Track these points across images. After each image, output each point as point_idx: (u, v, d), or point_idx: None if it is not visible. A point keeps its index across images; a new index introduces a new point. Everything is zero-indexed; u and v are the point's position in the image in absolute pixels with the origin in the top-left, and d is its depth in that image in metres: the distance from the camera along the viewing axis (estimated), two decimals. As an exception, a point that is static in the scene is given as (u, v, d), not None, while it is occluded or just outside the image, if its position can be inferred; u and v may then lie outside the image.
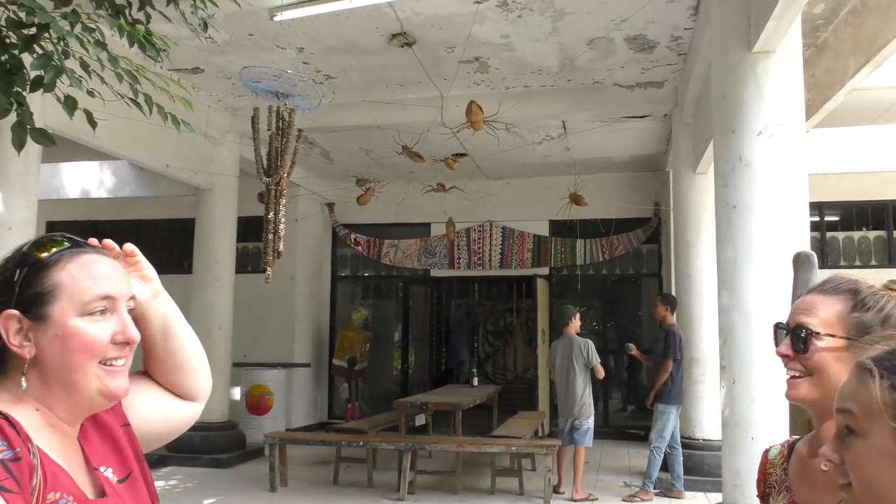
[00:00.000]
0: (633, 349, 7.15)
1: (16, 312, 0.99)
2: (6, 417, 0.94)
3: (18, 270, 1.01)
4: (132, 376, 1.16)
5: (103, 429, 1.12)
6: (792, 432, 2.31)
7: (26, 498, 0.89)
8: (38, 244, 1.04)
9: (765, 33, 3.86)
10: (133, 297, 1.10)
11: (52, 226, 10.99)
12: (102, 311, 1.03)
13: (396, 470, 6.87)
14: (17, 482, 0.89)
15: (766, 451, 1.36)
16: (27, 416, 0.99)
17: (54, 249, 1.03)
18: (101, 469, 1.07)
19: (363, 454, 7.46)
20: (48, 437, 1.00)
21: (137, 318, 1.15)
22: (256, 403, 9.67)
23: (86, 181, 10.80)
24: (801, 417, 2.22)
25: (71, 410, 1.04)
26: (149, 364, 1.25)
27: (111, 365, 1.04)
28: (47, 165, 8.52)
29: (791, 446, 1.32)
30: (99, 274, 1.04)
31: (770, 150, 3.96)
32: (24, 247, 1.04)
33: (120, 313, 1.05)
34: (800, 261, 2.27)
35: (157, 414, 1.22)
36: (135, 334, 1.06)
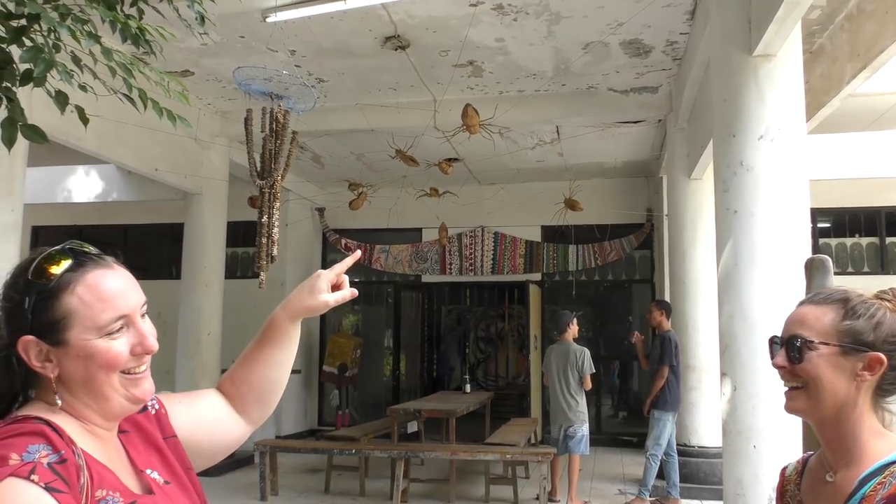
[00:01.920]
0: (638, 339, 7.07)
1: (32, 338, 1.01)
2: (48, 423, 0.98)
3: (27, 298, 1.01)
4: (197, 393, 1.31)
5: (148, 438, 1.16)
6: (806, 447, 2.26)
7: (76, 496, 0.93)
8: (39, 269, 1.03)
9: (766, 36, 3.82)
10: (146, 303, 1.10)
11: (37, 230, 10.84)
12: (120, 328, 1.05)
13: (389, 478, 6.77)
14: (65, 482, 0.92)
15: (784, 469, 1.40)
16: (66, 424, 1.02)
17: (57, 271, 1.03)
18: (147, 471, 1.11)
19: (355, 462, 7.36)
20: (89, 441, 1.04)
21: (275, 334, 1.31)
22: (246, 411, 9.53)
23: (72, 185, 10.64)
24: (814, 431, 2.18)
25: (103, 416, 1.07)
26: (240, 372, 1.32)
27: (133, 373, 1.07)
28: (33, 169, 8.34)
29: (805, 462, 1.35)
30: (109, 295, 1.04)
31: (771, 155, 3.91)
32: (28, 271, 1.03)
33: (136, 325, 1.07)
34: (814, 266, 2.21)
35: (204, 434, 1.27)
36: (152, 345, 1.08)
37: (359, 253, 1.41)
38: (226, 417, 1.30)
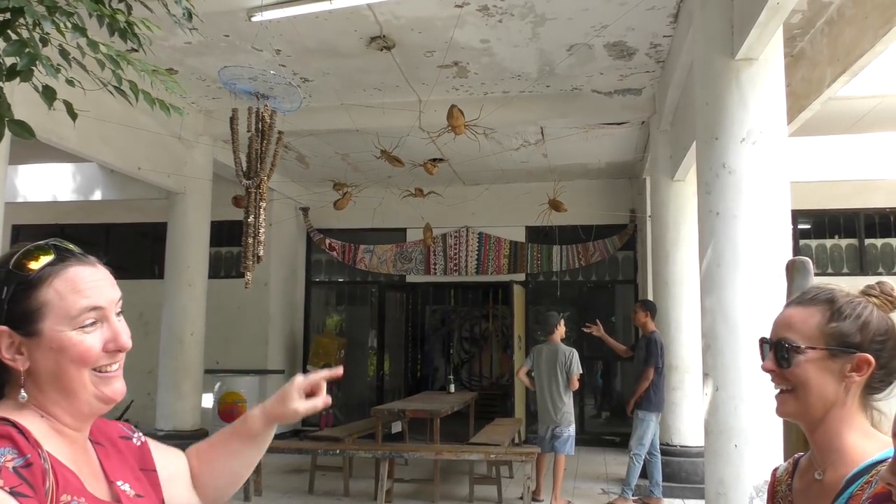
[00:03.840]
0: (595, 329, 6.95)
1: (6, 329, 1.01)
2: (15, 425, 0.97)
3: (5, 288, 1.02)
4: (170, 448, 1.29)
5: (125, 459, 1.15)
6: (786, 447, 2.29)
7: (41, 500, 0.92)
8: (20, 263, 1.03)
9: (748, 40, 3.87)
10: (121, 300, 1.10)
11: (17, 229, 10.71)
12: (93, 323, 1.04)
13: (373, 478, 6.77)
14: (30, 486, 0.91)
15: (775, 470, 1.40)
16: (34, 424, 1.01)
17: (37, 266, 1.03)
18: (119, 483, 1.09)
19: (339, 462, 7.34)
20: (56, 443, 1.02)
21: (247, 433, 1.31)
22: (229, 411, 9.48)
23: (53, 184, 10.53)
24: (795, 431, 2.21)
25: (73, 415, 1.06)
26: (206, 451, 1.32)
27: (105, 371, 1.06)
28: (13, 167, 8.25)
29: (796, 462, 1.35)
30: (85, 287, 1.04)
31: (753, 158, 3.96)
32: (9, 262, 1.03)
33: (110, 321, 1.07)
34: (795, 267, 2.24)
35: (170, 488, 1.24)
36: (125, 342, 1.07)
37: (340, 370, 1.38)
38: (187, 483, 1.29)
